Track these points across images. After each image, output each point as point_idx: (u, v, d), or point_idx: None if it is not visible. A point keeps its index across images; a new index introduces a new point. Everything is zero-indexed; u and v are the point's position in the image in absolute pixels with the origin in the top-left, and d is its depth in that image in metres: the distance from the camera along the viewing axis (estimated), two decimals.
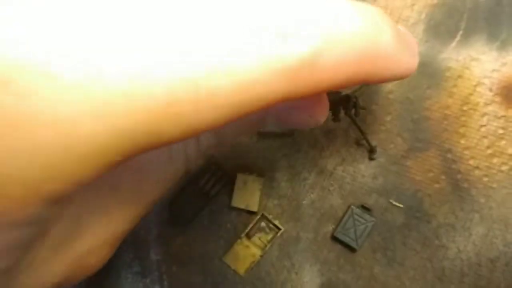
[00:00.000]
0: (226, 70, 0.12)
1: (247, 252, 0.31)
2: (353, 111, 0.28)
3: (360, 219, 0.30)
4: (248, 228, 0.31)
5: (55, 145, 0.11)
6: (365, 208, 0.30)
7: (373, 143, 0.30)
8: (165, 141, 0.12)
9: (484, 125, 0.29)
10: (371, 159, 0.30)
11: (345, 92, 0.28)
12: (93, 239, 0.18)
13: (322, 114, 0.19)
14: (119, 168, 0.14)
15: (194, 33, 0.12)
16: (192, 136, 0.13)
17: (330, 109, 0.20)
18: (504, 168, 0.29)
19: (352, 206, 0.30)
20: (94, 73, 0.11)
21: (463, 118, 0.30)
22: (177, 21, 0.12)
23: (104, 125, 0.11)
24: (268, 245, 0.31)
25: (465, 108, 0.30)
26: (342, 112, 0.28)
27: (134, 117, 0.11)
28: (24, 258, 0.14)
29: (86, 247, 0.17)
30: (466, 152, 0.30)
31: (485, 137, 0.29)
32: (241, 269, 0.31)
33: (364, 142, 0.30)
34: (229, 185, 0.31)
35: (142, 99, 0.11)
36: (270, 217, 0.31)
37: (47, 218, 0.13)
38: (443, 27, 0.30)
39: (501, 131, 0.29)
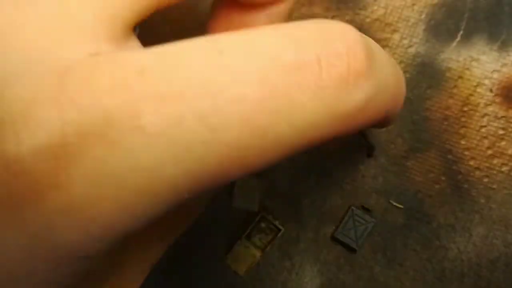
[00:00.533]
0: (293, 119, 0.12)
1: (247, 253, 0.31)
2: None
3: (360, 219, 0.30)
4: (249, 229, 0.31)
5: (138, 188, 0.12)
6: (365, 209, 0.30)
7: (372, 141, 0.30)
8: (227, 180, 0.13)
9: (485, 126, 0.29)
10: (369, 156, 0.30)
11: None
12: (131, 271, 0.18)
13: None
14: None
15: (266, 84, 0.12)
16: (251, 171, 0.13)
17: None
18: (504, 169, 0.29)
19: (352, 207, 0.30)
20: (177, 122, 0.11)
21: (463, 119, 0.30)
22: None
23: (182, 170, 0.12)
24: (268, 246, 0.31)
25: (465, 108, 0.30)
26: None
27: (208, 162, 0.12)
28: None
29: (125, 279, 0.18)
30: (466, 152, 0.30)
31: (485, 137, 0.29)
32: (241, 269, 0.31)
33: (363, 140, 0.30)
34: (229, 185, 0.31)
35: (216, 146, 0.12)
36: (270, 217, 0.31)
37: (112, 252, 0.14)
38: (443, 27, 0.30)
39: (501, 132, 0.29)
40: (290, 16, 0.28)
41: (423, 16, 0.30)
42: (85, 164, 0.11)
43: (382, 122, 0.17)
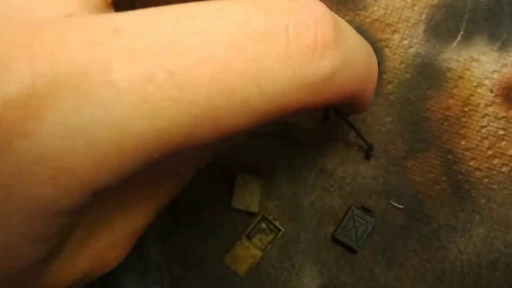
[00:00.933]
0: (262, 84, 0.13)
1: (247, 253, 0.31)
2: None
3: (360, 220, 0.30)
4: (248, 229, 0.31)
5: (108, 142, 0.12)
6: (366, 209, 0.30)
7: (370, 141, 0.30)
8: (198, 142, 0.13)
9: (485, 126, 0.29)
10: (368, 157, 0.30)
11: None
12: (113, 235, 0.18)
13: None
14: None
15: (236, 47, 0.13)
16: (222, 138, 0.14)
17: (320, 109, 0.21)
18: (504, 169, 0.29)
19: (352, 207, 0.30)
20: (146, 78, 0.12)
21: (463, 119, 0.30)
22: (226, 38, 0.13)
23: (151, 127, 0.12)
24: (269, 246, 0.31)
25: (465, 109, 0.30)
26: (332, 112, 0.29)
27: (177, 121, 0.12)
28: (57, 250, 0.15)
29: (106, 243, 0.18)
30: (466, 153, 0.30)
31: (485, 138, 0.29)
32: (241, 270, 0.31)
33: (362, 141, 0.30)
34: (229, 185, 0.31)
35: (186, 105, 0.12)
36: (270, 218, 0.31)
37: (84, 210, 0.14)
38: (443, 27, 0.30)
39: (501, 132, 0.29)
40: None
41: (423, 17, 0.30)
42: (55, 115, 0.12)
43: (356, 104, 0.18)
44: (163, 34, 0.12)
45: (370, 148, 0.30)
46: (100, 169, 0.12)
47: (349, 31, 0.16)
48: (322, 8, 0.14)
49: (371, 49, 0.18)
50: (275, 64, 0.13)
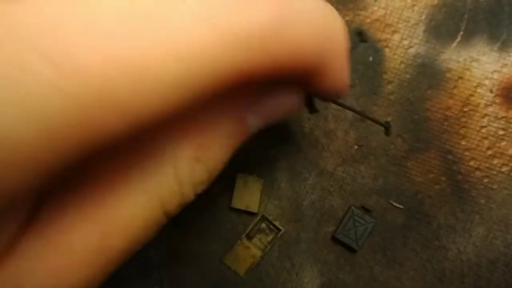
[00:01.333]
0: (178, 51, 0.11)
1: (247, 253, 0.31)
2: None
3: (360, 220, 0.30)
4: (248, 229, 0.31)
5: None
6: (365, 209, 0.30)
7: (384, 119, 0.29)
8: (105, 133, 0.11)
9: (485, 126, 0.29)
10: (388, 133, 0.28)
11: None
12: (71, 253, 0.16)
13: (298, 98, 0.18)
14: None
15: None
16: (139, 128, 0.11)
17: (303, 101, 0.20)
18: (504, 169, 0.29)
19: (352, 207, 0.30)
20: (26, 68, 0.10)
21: (463, 119, 0.30)
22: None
23: (37, 122, 0.10)
24: (268, 246, 0.31)
25: (465, 109, 0.30)
26: (314, 100, 0.28)
27: (66, 103, 0.10)
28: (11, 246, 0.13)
29: (63, 260, 0.16)
30: (466, 153, 0.30)
31: (485, 138, 0.29)
32: (241, 270, 0.31)
33: (361, 141, 0.30)
34: (229, 185, 0.31)
35: (73, 84, 0.10)
36: (270, 218, 0.31)
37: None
38: (443, 28, 0.30)
39: (501, 132, 0.29)
40: None
41: (423, 17, 0.30)
42: None
43: (327, 81, 0.16)
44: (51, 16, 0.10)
45: (386, 126, 0.27)
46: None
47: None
48: None
49: (333, 13, 0.15)
50: (191, 24, 0.11)
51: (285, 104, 0.18)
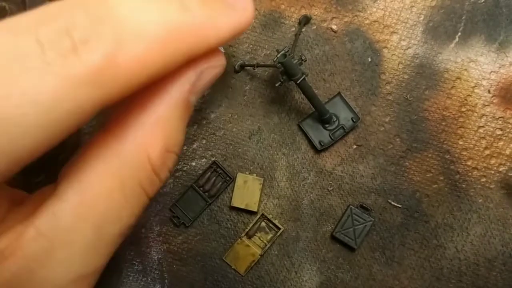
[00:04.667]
0: (32, 97, 0.13)
1: (247, 251, 0.31)
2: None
3: (359, 219, 0.30)
4: (248, 228, 0.31)
5: None
6: (364, 208, 0.30)
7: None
8: None
9: (482, 126, 0.30)
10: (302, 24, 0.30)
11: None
12: (53, 280, 0.17)
13: (220, 57, 0.19)
14: None
15: None
16: (15, 167, 0.14)
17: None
18: (502, 168, 0.30)
19: (351, 206, 0.30)
20: None
21: (461, 119, 0.30)
22: None
23: None
24: (268, 245, 0.31)
25: (463, 109, 0.30)
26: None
27: None
28: None
29: None
30: (464, 153, 0.30)
31: (483, 138, 0.30)
32: (241, 268, 0.31)
33: (360, 141, 0.30)
34: (229, 185, 0.32)
35: None
36: (270, 216, 0.31)
37: None
38: (441, 29, 0.30)
39: (499, 132, 0.30)
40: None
41: (421, 18, 0.30)
42: None
43: (204, 51, 0.17)
44: None
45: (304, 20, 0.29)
46: None
47: (126, 3, 0.15)
48: (73, 8, 0.14)
49: (170, 3, 0.16)
50: (37, 76, 0.13)
51: (211, 74, 0.19)
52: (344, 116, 0.30)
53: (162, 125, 0.19)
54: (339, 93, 0.30)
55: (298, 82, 0.27)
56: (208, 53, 0.18)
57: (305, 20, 0.30)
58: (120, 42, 0.14)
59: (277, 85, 0.27)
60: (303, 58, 0.27)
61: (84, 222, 0.17)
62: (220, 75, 0.20)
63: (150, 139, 0.18)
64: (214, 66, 0.19)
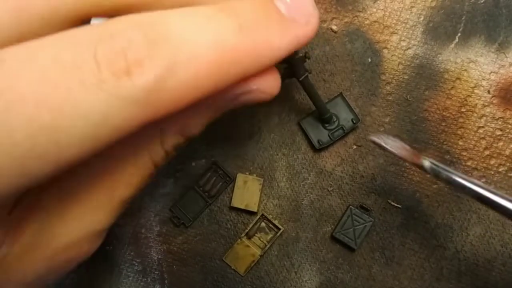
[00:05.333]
0: (83, 111, 0.14)
1: (247, 252, 0.31)
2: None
3: (358, 219, 0.30)
4: (248, 228, 0.31)
5: None
6: (364, 208, 0.30)
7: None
8: (37, 178, 0.14)
9: (482, 127, 0.30)
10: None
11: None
12: (69, 235, 0.20)
13: (274, 86, 0.20)
14: (82, 169, 0.18)
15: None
16: (61, 170, 0.15)
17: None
18: (501, 169, 0.30)
19: (351, 206, 0.30)
20: None
21: (461, 120, 0.30)
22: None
23: None
24: (268, 245, 0.31)
25: (463, 109, 0.30)
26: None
27: (4, 164, 0.13)
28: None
29: (63, 242, 0.19)
30: (464, 153, 0.30)
31: (483, 138, 0.30)
32: (241, 268, 0.31)
33: (360, 142, 0.30)
34: (229, 185, 0.32)
35: (6, 148, 0.13)
36: (269, 217, 0.31)
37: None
38: (441, 29, 0.30)
39: (498, 133, 0.30)
40: None
41: (421, 19, 0.30)
42: None
43: (261, 83, 0.18)
44: None
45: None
46: None
47: (181, 25, 0.15)
48: (131, 28, 0.15)
49: (225, 25, 0.16)
50: (91, 91, 0.14)
51: (261, 89, 0.20)
52: (344, 117, 0.30)
53: (187, 118, 0.20)
54: (340, 94, 0.30)
55: (300, 79, 0.27)
56: (262, 72, 0.19)
57: None
58: (172, 66, 0.15)
59: None
60: (307, 55, 0.26)
61: (100, 183, 0.20)
62: (267, 99, 0.20)
63: (169, 124, 0.20)
64: (263, 90, 0.19)
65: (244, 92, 0.19)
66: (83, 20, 0.18)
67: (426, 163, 0.23)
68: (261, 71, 0.18)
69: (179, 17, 0.16)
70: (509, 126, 0.30)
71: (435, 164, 0.23)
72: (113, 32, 0.15)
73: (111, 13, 0.17)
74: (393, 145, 0.25)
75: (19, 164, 0.13)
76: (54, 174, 0.15)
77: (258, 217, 0.31)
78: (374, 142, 0.25)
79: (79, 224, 0.20)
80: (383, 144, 0.25)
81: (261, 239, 0.31)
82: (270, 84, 0.19)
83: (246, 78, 0.18)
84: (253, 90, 0.19)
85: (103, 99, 0.14)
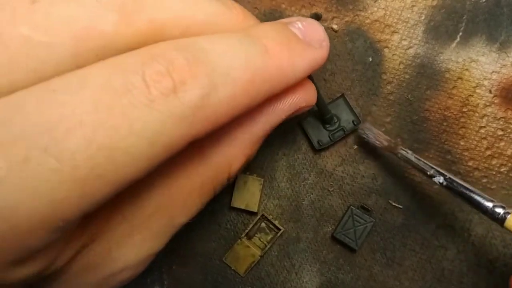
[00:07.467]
0: (136, 131, 0.15)
1: (247, 252, 0.31)
2: None
3: (359, 219, 0.30)
4: (248, 228, 0.31)
5: (5, 231, 0.14)
6: (365, 209, 0.30)
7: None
8: (97, 199, 0.15)
9: (484, 127, 0.30)
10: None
11: None
12: (126, 259, 0.20)
13: (313, 94, 0.22)
14: (139, 193, 0.19)
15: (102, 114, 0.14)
16: (117, 191, 0.15)
17: None
18: (503, 169, 0.29)
19: (351, 207, 0.30)
20: (23, 161, 0.13)
21: (462, 120, 0.30)
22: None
23: (42, 200, 0.14)
24: (268, 245, 0.31)
25: (464, 109, 0.30)
26: None
27: (63, 187, 0.14)
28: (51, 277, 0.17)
29: (119, 266, 0.20)
30: (465, 153, 0.30)
31: (484, 138, 0.30)
32: (241, 269, 0.31)
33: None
34: (229, 185, 0.31)
35: (68, 170, 0.14)
36: (270, 217, 0.31)
37: (54, 246, 0.16)
38: (442, 28, 0.30)
39: (500, 133, 0.29)
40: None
41: (422, 18, 0.30)
42: None
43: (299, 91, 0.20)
44: (29, 114, 0.14)
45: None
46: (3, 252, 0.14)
47: (216, 48, 0.17)
48: (172, 48, 0.16)
49: (254, 48, 0.18)
50: (143, 111, 0.15)
51: (304, 100, 0.22)
52: (345, 118, 0.30)
53: (252, 143, 0.22)
54: (342, 95, 0.30)
55: None
56: (301, 85, 0.21)
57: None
58: (213, 84, 0.16)
59: None
60: None
61: (163, 211, 0.20)
62: (307, 108, 0.22)
63: (237, 153, 0.22)
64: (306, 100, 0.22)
65: (297, 110, 0.22)
66: None
67: (401, 151, 0.27)
68: (301, 88, 0.21)
69: (212, 41, 0.17)
70: (511, 126, 0.29)
71: (406, 151, 0.27)
72: (155, 55, 0.15)
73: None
74: (372, 134, 0.28)
75: (80, 186, 0.14)
76: (111, 195, 0.15)
77: (258, 217, 0.31)
78: (359, 135, 0.28)
79: (139, 251, 0.21)
80: (365, 136, 0.28)
81: (261, 240, 0.31)
82: (313, 98, 0.22)
83: (284, 95, 0.20)
84: (302, 107, 0.22)
85: (155, 118, 0.15)
